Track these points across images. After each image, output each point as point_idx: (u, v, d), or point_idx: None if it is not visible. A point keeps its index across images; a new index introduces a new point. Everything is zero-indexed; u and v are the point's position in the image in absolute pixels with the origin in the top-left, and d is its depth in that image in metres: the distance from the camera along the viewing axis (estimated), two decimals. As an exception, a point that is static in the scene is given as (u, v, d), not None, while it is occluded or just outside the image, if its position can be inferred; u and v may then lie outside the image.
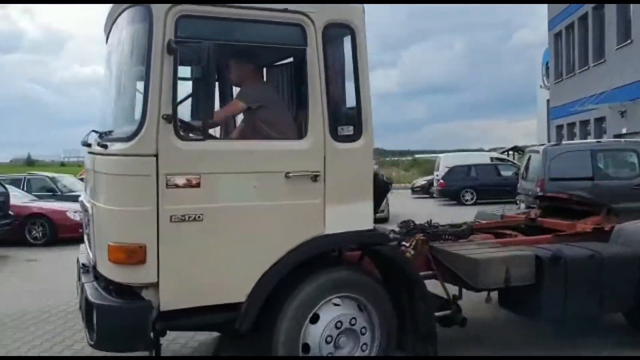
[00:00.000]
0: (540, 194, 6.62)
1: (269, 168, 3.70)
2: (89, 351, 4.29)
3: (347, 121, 3.94)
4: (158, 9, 3.39)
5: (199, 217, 3.50)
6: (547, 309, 4.50)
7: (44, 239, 12.23)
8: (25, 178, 15.71)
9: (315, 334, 3.78)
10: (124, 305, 3.44)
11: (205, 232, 3.52)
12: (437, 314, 4.38)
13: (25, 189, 14.77)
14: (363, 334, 3.91)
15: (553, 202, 6.23)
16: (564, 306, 4.51)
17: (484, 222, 5.98)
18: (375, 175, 4.17)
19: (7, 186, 12.21)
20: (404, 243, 4.55)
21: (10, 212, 11.48)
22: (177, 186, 3.46)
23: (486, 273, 4.33)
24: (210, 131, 3.78)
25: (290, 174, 3.70)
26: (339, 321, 3.82)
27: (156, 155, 3.40)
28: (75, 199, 7.35)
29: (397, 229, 4.99)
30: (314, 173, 3.76)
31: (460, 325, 4.57)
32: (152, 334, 3.46)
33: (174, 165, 3.46)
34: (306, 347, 3.79)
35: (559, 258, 4.48)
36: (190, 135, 3.55)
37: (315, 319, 3.80)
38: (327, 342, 3.79)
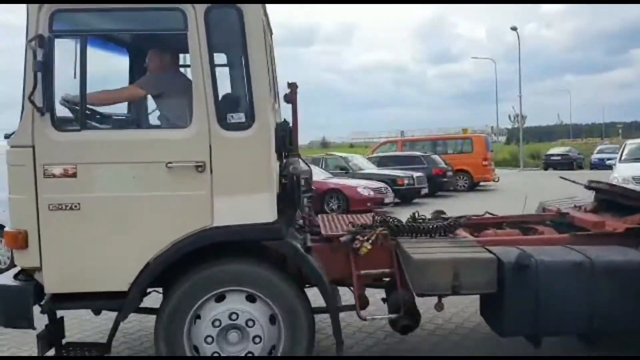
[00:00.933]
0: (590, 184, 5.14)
1: (149, 158, 3.63)
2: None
3: (237, 108, 3.71)
4: (32, 7, 3.53)
5: (75, 206, 3.59)
6: (512, 324, 3.80)
7: (338, 210, 13.80)
8: (323, 158, 18.67)
9: (198, 335, 3.71)
10: (7, 286, 3.75)
11: (83, 221, 3.59)
12: (379, 316, 4.31)
13: (323, 167, 17.02)
14: (250, 327, 3.70)
15: (610, 195, 5.07)
16: (535, 322, 3.73)
17: (500, 215, 5.09)
18: (285, 167, 3.99)
19: (310, 165, 14.27)
20: (358, 237, 4.09)
21: (312, 187, 13.63)
22: (54, 176, 3.58)
23: (423, 276, 3.77)
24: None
25: (172, 164, 3.60)
26: (217, 319, 3.69)
27: (33, 147, 3.55)
28: (364, 176, 10.58)
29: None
30: (198, 163, 3.62)
31: (400, 332, 4.23)
32: (45, 313, 3.78)
33: (51, 156, 3.57)
34: (196, 348, 3.73)
35: (525, 265, 3.69)
36: (69, 126, 3.64)
37: (197, 317, 3.72)
38: (208, 343, 3.68)
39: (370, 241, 4.06)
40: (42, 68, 3.41)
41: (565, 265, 3.75)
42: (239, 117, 3.66)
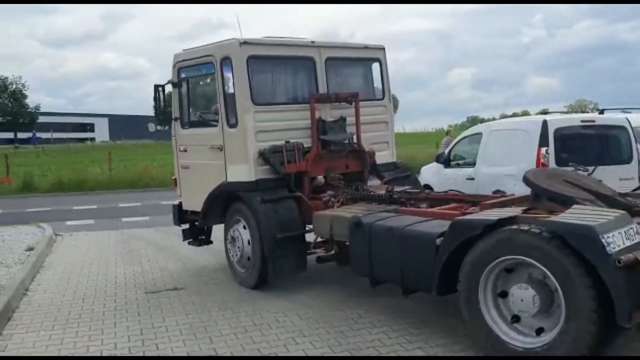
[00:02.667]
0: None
1: (206, 143, 6.72)
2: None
3: (233, 116, 6.36)
4: (174, 66, 7.12)
5: (187, 166, 7.14)
6: (356, 266, 5.20)
7: None
8: None
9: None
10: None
11: (190, 174, 7.10)
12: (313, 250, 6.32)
13: None
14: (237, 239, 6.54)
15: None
16: (370, 268, 4.97)
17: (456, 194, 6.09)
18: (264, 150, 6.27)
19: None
20: (332, 199, 6.17)
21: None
22: (181, 151, 7.23)
23: (318, 225, 5.83)
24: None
25: (212, 146, 6.60)
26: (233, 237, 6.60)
27: (175, 137, 7.35)
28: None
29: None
30: (220, 146, 6.50)
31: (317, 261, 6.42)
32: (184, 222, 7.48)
33: (180, 141, 7.24)
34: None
35: (359, 224, 5.05)
36: (185, 126, 7.18)
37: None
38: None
39: (340, 202, 6.08)
40: (177, 100, 7.12)
41: (382, 229, 4.80)
42: (233, 121, 6.33)
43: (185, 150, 7.02)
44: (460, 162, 9.85)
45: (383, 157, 7.18)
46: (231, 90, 6.35)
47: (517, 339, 3.91)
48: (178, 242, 9.17)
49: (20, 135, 77.26)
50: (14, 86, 79.11)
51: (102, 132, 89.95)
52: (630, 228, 3.68)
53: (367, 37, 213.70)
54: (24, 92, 79.92)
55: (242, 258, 6.38)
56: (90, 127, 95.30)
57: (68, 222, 11.97)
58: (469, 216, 4.42)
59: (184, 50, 6.94)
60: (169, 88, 7.05)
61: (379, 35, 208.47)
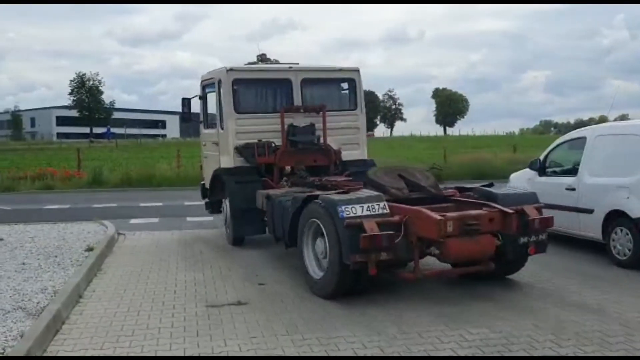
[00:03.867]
0: None
1: (211, 139, 9.34)
2: None
3: (221, 122, 8.90)
4: (201, 82, 9.72)
5: (206, 156, 9.78)
6: (270, 228, 7.66)
7: None
8: None
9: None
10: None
11: (206, 162, 9.83)
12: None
13: None
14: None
15: None
16: (273, 228, 7.44)
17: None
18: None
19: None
20: (285, 183, 8.54)
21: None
22: (203, 145, 9.99)
23: (257, 199, 8.07)
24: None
25: (214, 141, 9.15)
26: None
27: (199, 135, 10.44)
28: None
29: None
30: (216, 141, 9.05)
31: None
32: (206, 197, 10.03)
33: (202, 138, 10.09)
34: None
35: (269, 197, 7.59)
36: (205, 126, 9.89)
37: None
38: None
39: (289, 185, 8.30)
40: (202, 108, 9.73)
41: (277, 201, 7.23)
42: (222, 125, 8.84)
43: (205, 145, 9.98)
44: (557, 169, 8.75)
45: (354, 155, 9.15)
46: (223, 103, 8.82)
47: (317, 273, 6.14)
48: (242, 247, 8.62)
49: (96, 130, 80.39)
50: (91, 82, 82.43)
51: (173, 129, 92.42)
52: (377, 205, 5.61)
53: (437, 36, 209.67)
54: (100, 88, 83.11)
55: (225, 223, 9.17)
56: (162, 124, 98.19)
57: (132, 221, 11.62)
58: (304, 195, 6.54)
59: (207, 72, 9.56)
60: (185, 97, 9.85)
61: (448, 35, 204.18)
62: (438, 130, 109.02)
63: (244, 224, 8.40)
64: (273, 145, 8.64)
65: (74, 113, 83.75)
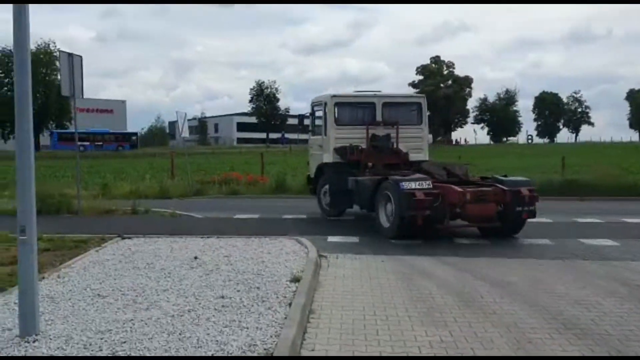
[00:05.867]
0: None
1: (318, 143, 13.26)
2: None
3: (325, 131, 12.69)
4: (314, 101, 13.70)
5: (312, 155, 13.83)
6: (356, 202, 11.87)
7: None
8: None
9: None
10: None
11: (312, 158, 13.82)
12: None
13: None
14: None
15: None
16: (358, 201, 11.63)
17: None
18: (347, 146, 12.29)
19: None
20: (367, 173, 11.92)
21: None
22: (311, 148, 14.11)
23: (349, 183, 11.84)
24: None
25: (319, 144, 13.14)
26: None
27: (308, 140, 14.73)
28: None
29: None
30: (320, 144, 12.94)
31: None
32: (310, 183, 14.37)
33: (310, 142, 14.26)
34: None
35: (355, 181, 11.57)
36: (312, 133, 14.12)
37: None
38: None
39: (370, 174, 11.75)
40: (311, 121, 13.90)
41: (359, 180, 11.48)
42: (325, 132, 12.78)
43: (312, 147, 13.68)
44: None
45: (419, 157, 12.46)
46: (327, 118, 12.46)
47: (385, 226, 10.09)
48: (479, 287, 6.51)
49: (271, 135, 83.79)
50: (268, 90, 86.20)
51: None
52: (424, 182, 9.59)
53: (625, 33, 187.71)
54: (276, 95, 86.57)
55: (321, 201, 13.04)
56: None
57: (330, 238, 10.07)
58: (379, 177, 10.70)
59: (315, 97, 13.49)
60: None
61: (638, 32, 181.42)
62: (633, 136, 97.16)
63: (338, 201, 12.30)
64: (360, 148, 12.24)
65: (252, 119, 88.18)
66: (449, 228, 9.88)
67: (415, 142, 12.60)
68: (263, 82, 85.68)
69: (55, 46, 69.33)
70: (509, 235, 9.97)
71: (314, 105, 13.41)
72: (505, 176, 10.44)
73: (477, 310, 5.83)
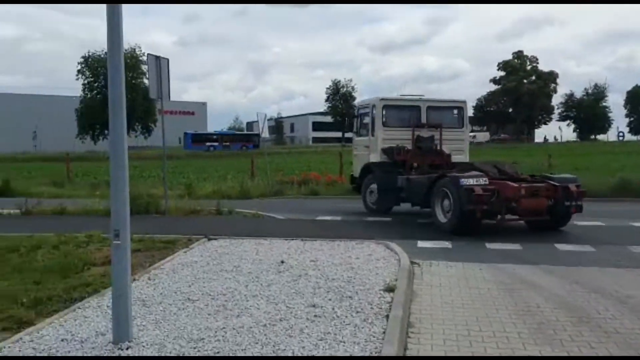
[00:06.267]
0: None
1: (363, 144, 14.08)
2: None
3: (372, 132, 13.68)
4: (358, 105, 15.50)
5: (355, 155, 14.61)
6: (406, 199, 12.71)
7: None
8: None
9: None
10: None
11: (356, 158, 14.55)
12: None
13: None
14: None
15: None
16: (410, 198, 12.47)
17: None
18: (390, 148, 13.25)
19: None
20: (414, 172, 12.96)
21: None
22: (355, 150, 14.79)
23: (398, 181, 12.66)
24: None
25: (365, 145, 14.03)
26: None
27: (352, 140, 15.34)
28: None
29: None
30: (367, 145, 13.79)
31: None
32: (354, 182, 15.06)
33: (354, 144, 14.88)
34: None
35: (408, 179, 12.32)
36: (357, 135, 14.66)
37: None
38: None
39: (417, 174, 12.88)
40: (356, 123, 14.49)
41: (413, 179, 12.31)
42: (373, 134, 13.62)
43: (356, 148, 14.37)
44: None
45: (460, 158, 13.46)
46: (375, 120, 13.42)
47: (442, 221, 10.70)
48: (592, 301, 5.87)
49: (347, 134, 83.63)
50: (344, 89, 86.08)
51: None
52: (481, 179, 10.15)
53: None
54: (352, 94, 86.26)
55: (366, 199, 13.71)
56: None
57: (420, 244, 9.55)
58: (436, 174, 11.46)
59: (358, 101, 15.47)
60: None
61: None
62: None
63: (386, 199, 12.91)
64: (406, 148, 13.07)
65: (327, 119, 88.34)
66: (504, 222, 10.32)
67: (457, 144, 13.63)
68: (339, 81, 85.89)
69: (141, 50, 72.43)
70: (555, 229, 10.76)
71: (359, 107, 14.61)
72: (552, 174, 11.67)
73: (596, 327, 5.22)
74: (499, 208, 10.04)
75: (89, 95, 70.51)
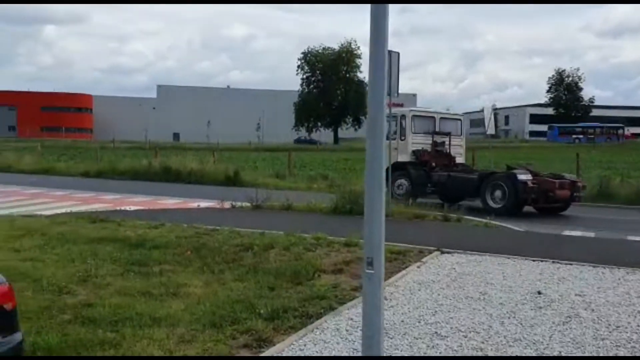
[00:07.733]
0: None
1: (393, 146, 15.27)
2: None
3: (402, 136, 16.41)
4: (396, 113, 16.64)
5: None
6: (438, 194, 16.06)
7: None
8: None
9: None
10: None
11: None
12: None
13: None
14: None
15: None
16: (446, 191, 15.76)
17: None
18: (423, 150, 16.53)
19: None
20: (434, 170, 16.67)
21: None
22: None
23: (433, 177, 15.99)
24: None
25: (394, 147, 15.33)
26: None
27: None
28: None
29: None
30: (395, 147, 15.62)
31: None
32: None
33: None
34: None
35: (449, 175, 15.68)
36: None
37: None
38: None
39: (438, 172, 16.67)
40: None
41: (460, 176, 15.86)
42: (403, 138, 16.47)
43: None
44: None
45: (460, 160, 16.93)
46: (406, 127, 16.29)
47: (495, 206, 14.17)
48: None
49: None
50: (569, 79, 78.53)
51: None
52: (530, 175, 14.25)
53: None
54: (579, 84, 78.35)
55: (401, 189, 15.91)
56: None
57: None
58: (486, 172, 16.21)
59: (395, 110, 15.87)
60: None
61: None
62: None
63: (419, 191, 15.80)
64: (429, 151, 16.35)
65: (547, 111, 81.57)
66: (544, 208, 14.43)
67: (458, 149, 17.04)
68: (564, 70, 78.51)
69: (356, 44, 74.43)
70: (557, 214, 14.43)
71: (394, 114, 16.98)
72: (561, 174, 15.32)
73: None
74: (541, 197, 13.87)
75: (306, 90, 74.70)
